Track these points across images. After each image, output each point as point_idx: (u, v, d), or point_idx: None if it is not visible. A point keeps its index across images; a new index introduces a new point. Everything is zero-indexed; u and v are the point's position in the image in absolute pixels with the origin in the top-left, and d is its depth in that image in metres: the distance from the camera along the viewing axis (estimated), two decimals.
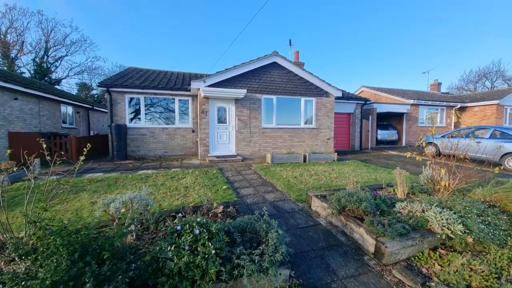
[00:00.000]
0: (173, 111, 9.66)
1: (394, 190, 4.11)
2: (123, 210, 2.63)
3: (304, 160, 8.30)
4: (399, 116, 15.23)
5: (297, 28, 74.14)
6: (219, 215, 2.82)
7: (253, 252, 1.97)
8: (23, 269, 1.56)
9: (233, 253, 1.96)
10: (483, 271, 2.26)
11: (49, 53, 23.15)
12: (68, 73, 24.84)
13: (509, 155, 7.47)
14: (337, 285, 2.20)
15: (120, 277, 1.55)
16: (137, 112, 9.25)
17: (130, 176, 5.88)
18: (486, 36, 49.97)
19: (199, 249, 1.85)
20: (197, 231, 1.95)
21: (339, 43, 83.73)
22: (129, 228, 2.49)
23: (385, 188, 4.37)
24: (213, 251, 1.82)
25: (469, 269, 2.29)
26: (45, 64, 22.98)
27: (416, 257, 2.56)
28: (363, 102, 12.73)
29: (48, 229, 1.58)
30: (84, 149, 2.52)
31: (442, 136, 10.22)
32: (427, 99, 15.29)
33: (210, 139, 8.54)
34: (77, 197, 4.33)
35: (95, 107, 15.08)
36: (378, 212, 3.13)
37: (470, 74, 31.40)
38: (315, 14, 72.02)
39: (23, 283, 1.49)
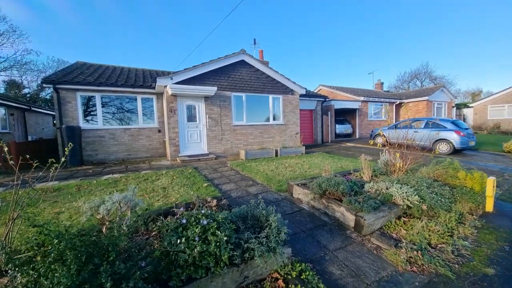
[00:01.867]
0: (136, 111, 8.96)
1: (360, 174, 4.70)
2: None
3: (276, 155, 8.69)
4: (352, 112, 16.99)
5: (259, 27, 75.45)
6: (214, 208, 2.85)
7: (259, 236, 2.10)
8: (19, 281, 1.38)
9: (241, 238, 2.06)
10: (438, 231, 2.83)
11: None
12: None
13: (440, 141, 9.10)
14: (330, 257, 2.49)
15: (138, 273, 1.51)
16: (92, 112, 8.30)
17: (95, 181, 5.32)
18: (416, 39, 58.92)
19: (209, 238, 1.90)
20: (204, 222, 1.99)
21: (299, 43, 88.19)
22: (124, 230, 2.36)
23: (352, 173, 4.95)
24: (225, 238, 1.90)
25: (428, 230, 2.85)
26: None
27: (387, 226, 3.05)
28: (323, 99, 13.84)
29: (50, 234, 1.44)
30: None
31: (388, 128, 11.86)
32: (374, 96, 17.42)
33: (180, 138, 8.23)
34: (36, 208, 3.77)
35: (32, 108, 12.90)
36: (353, 193, 3.57)
37: (404, 75, 36.78)
38: (275, 14, 74.36)
39: None
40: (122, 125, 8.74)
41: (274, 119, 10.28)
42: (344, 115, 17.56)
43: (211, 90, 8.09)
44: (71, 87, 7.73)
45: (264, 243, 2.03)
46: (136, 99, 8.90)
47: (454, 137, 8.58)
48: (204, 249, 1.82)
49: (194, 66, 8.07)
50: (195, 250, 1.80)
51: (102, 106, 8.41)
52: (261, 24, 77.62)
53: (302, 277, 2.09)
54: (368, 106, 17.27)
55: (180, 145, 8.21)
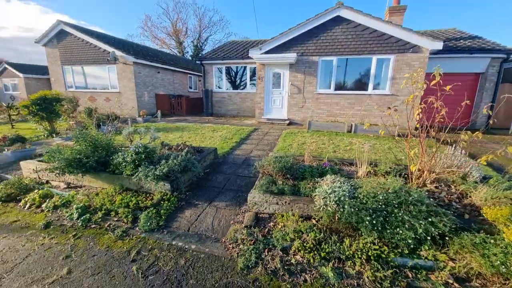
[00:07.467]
0: (245, 78, 11.27)
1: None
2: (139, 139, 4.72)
3: (350, 131, 7.43)
4: None
5: None
6: (186, 150, 4.24)
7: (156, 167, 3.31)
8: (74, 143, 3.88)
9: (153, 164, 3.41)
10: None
11: (201, 35, 31.18)
12: None
13: None
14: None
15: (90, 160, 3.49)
16: (220, 79, 11.73)
17: (194, 126, 8.40)
18: None
19: (133, 157, 3.46)
20: (138, 150, 3.54)
21: None
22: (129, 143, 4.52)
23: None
24: (135, 157, 3.37)
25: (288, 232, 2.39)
26: (199, 44, 31.38)
27: (280, 216, 2.81)
28: (504, 55, 8.07)
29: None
30: None
31: None
32: None
33: (265, 103, 9.51)
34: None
35: None
36: (291, 177, 3.28)
37: None
38: None
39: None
40: (236, 89, 11.54)
41: (375, 87, 8.23)
42: None
43: (290, 57, 8.21)
44: (209, 62, 11.37)
45: (151, 170, 3.24)
46: (246, 69, 11.12)
47: None
48: (123, 160, 3.45)
49: (280, 34, 8.43)
50: (128, 159, 3.48)
51: (226, 75, 11.54)
52: None
53: None
54: None
55: (264, 109, 9.57)
